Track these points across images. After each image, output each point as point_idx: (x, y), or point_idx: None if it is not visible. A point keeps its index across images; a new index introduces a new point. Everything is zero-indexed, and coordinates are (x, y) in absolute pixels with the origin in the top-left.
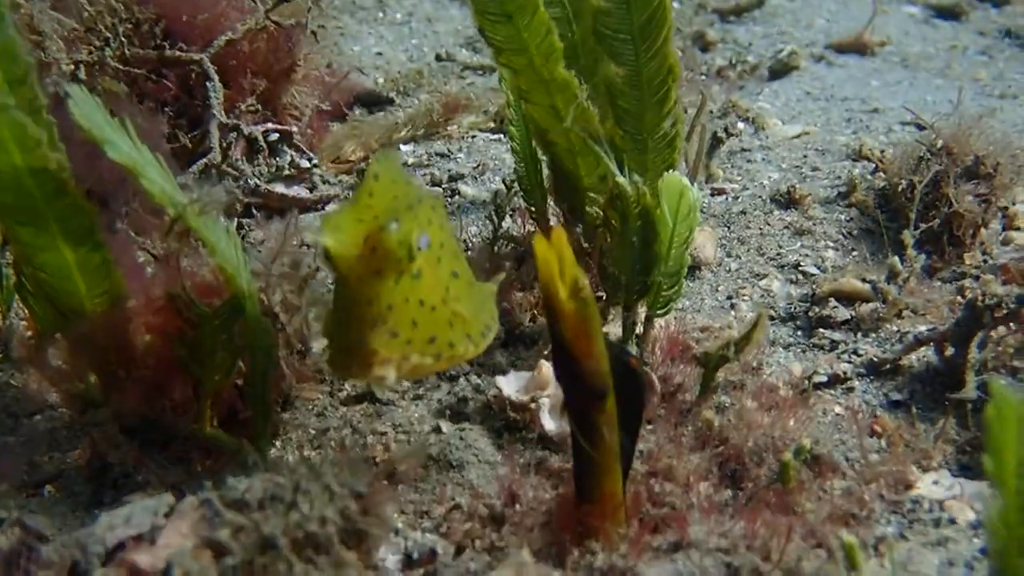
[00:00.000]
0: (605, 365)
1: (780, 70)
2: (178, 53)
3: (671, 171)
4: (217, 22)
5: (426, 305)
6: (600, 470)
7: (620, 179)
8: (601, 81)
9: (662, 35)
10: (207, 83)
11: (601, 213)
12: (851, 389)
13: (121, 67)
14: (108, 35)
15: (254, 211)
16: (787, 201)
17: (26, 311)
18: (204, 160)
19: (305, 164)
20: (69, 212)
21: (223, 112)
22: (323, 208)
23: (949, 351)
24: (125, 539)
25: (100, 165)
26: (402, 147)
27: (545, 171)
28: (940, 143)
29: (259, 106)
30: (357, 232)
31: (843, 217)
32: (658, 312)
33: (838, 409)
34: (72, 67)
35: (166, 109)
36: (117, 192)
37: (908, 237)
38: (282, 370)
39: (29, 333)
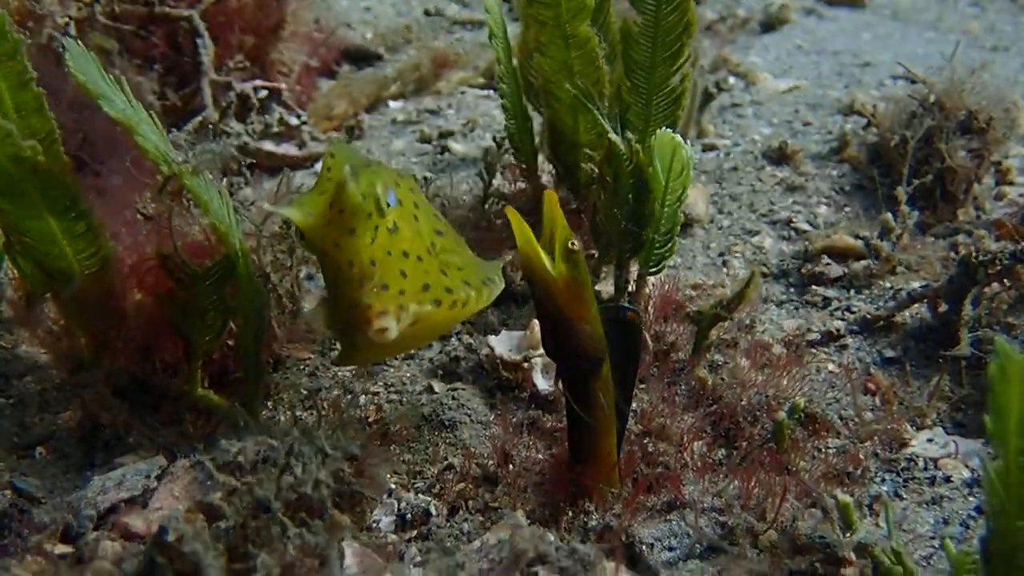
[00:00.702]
0: (599, 328)
1: (771, 23)
2: (167, 9)
3: (664, 128)
4: None
5: (411, 256)
6: (595, 433)
7: (614, 136)
8: (614, 30)
9: None
10: (197, 40)
11: (595, 170)
12: (844, 346)
13: (111, 23)
14: None
15: (243, 169)
16: (779, 157)
17: (15, 271)
18: (199, 118)
19: (294, 121)
20: (50, 185)
21: (213, 69)
22: (312, 166)
23: (943, 307)
24: (117, 502)
25: (91, 126)
26: (391, 104)
27: (536, 128)
28: (933, 98)
29: (247, 63)
30: (320, 202)
31: (835, 173)
32: (651, 270)
33: (832, 367)
34: (66, 20)
35: (155, 66)
36: (109, 150)
37: (901, 193)
38: (273, 330)
39: (19, 293)
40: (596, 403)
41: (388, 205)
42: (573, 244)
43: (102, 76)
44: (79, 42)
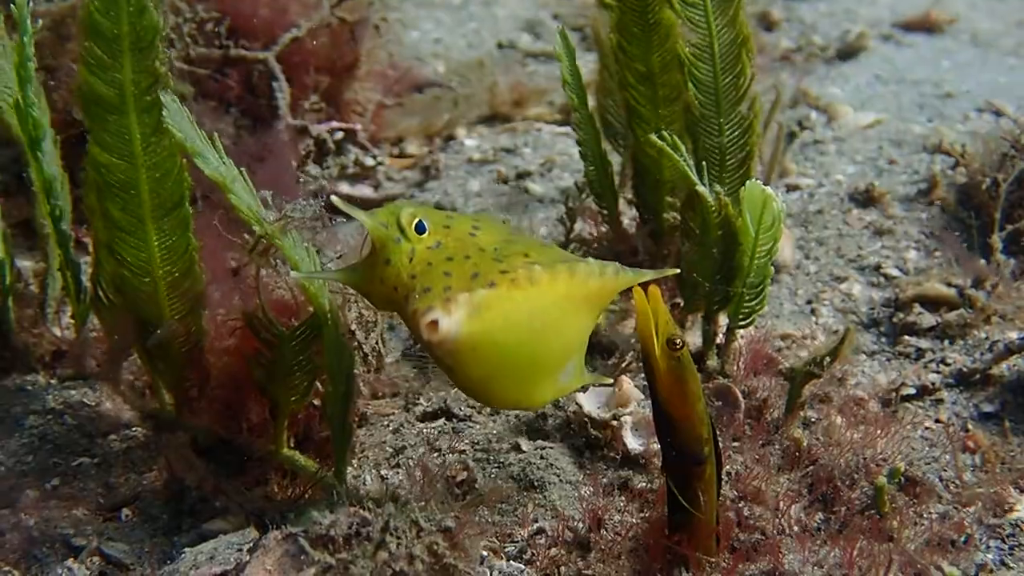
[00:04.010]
0: (703, 429)
1: (848, 52)
2: (243, 52)
3: (752, 178)
4: (279, 18)
5: (456, 259)
6: (694, 521)
7: (701, 188)
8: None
9: (734, 4)
10: (273, 83)
11: (678, 217)
12: (940, 400)
13: (186, 67)
14: (173, 35)
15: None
16: (865, 199)
17: (100, 325)
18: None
19: (369, 162)
20: (164, 165)
21: (290, 111)
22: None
23: None
24: None
25: None
26: (466, 142)
27: (616, 169)
28: None
29: (323, 104)
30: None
31: (924, 216)
32: (740, 324)
33: (928, 423)
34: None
35: (231, 109)
36: None
37: (996, 241)
38: (359, 387)
39: (103, 348)
40: (696, 498)
41: (420, 232)
42: (678, 342)
43: (197, 132)
44: (174, 97)
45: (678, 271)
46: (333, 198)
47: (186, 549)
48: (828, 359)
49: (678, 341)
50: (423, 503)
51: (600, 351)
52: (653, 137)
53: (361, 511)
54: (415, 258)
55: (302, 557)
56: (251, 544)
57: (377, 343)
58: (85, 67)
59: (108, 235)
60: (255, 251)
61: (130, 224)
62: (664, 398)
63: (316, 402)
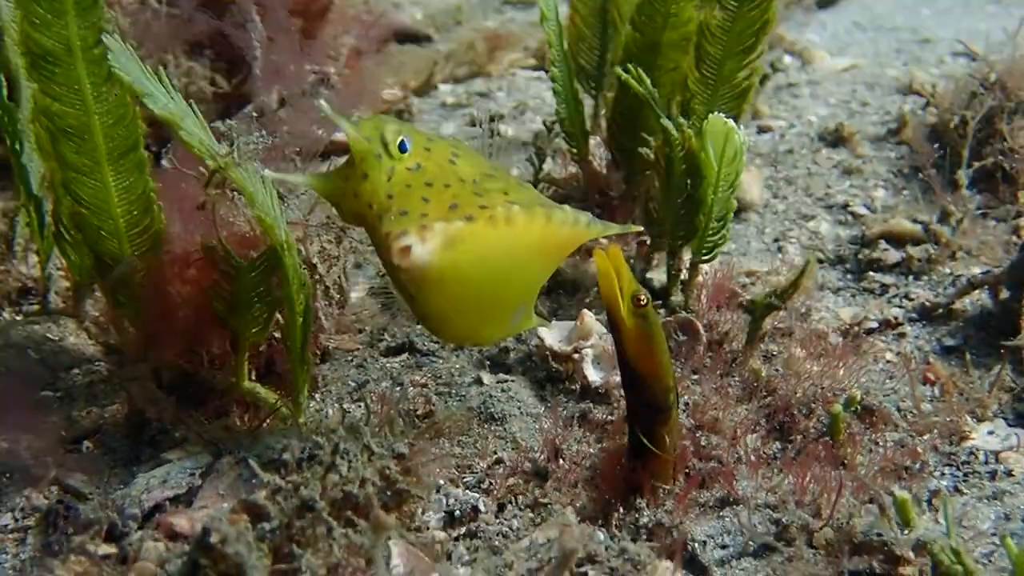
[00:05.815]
0: (670, 379)
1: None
2: None
3: (717, 113)
4: None
5: (436, 185)
6: (657, 458)
7: (665, 121)
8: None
9: None
10: (247, 23)
11: (652, 155)
12: (903, 335)
13: (163, 8)
14: None
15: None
16: (835, 139)
17: (63, 262)
18: (255, 105)
19: None
20: (116, 111)
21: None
22: None
23: (1004, 294)
24: (162, 500)
25: None
26: (440, 86)
27: (588, 112)
28: (994, 77)
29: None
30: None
31: (893, 155)
32: (703, 258)
33: (890, 356)
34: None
35: (205, 51)
36: None
37: (962, 177)
38: (320, 322)
39: (67, 284)
40: (662, 442)
41: (403, 151)
42: (642, 299)
43: (143, 71)
44: (117, 38)
45: (642, 229)
46: (322, 103)
47: (139, 474)
48: (789, 291)
49: (643, 298)
50: (376, 429)
51: (565, 288)
52: (619, 69)
53: (315, 437)
54: (394, 177)
55: (253, 480)
56: (204, 469)
57: (339, 277)
58: (29, 25)
59: (64, 176)
60: (210, 184)
61: (86, 167)
62: (632, 354)
63: (278, 335)
